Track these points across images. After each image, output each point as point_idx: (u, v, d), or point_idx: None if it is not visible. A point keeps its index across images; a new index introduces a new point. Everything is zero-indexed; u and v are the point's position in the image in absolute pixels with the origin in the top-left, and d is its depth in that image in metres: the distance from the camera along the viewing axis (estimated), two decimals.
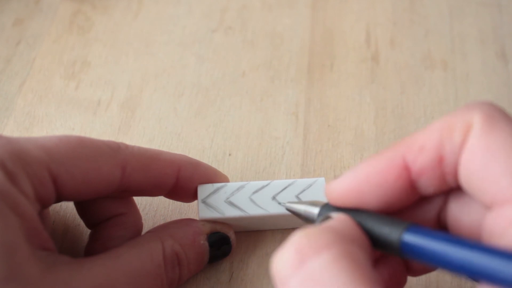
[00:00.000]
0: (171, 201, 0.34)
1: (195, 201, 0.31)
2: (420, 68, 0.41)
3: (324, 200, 0.25)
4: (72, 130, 0.37)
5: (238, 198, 0.30)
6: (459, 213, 0.23)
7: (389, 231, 0.22)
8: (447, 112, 0.38)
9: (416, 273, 0.26)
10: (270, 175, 0.35)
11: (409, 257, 0.22)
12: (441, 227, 0.25)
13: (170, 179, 0.29)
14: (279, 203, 0.30)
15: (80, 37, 0.42)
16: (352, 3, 0.44)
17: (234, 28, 0.43)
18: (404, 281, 0.26)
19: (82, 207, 0.30)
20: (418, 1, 0.44)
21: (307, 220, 0.26)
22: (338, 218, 0.23)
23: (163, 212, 0.34)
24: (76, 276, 0.25)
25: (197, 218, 0.31)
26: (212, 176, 0.31)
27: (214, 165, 0.35)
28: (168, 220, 0.33)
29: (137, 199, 0.32)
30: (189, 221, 0.30)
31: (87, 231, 0.32)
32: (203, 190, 0.30)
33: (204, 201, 0.30)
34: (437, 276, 0.31)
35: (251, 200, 0.30)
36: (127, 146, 0.29)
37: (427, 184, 0.23)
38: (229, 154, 0.36)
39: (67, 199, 0.27)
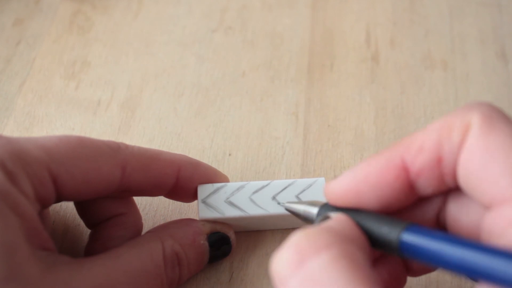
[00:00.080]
0: (171, 201, 0.34)
1: (195, 201, 0.31)
2: (420, 68, 0.41)
3: (324, 200, 0.25)
4: (72, 130, 0.37)
5: (238, 198, 0.30)
6: (458, 213, 0.23)
7: (388, 231, 0.22)
8: (447, 112, 0.38)
9: (416, 273, 0.27)
10: (270, 175, 0.35)
11: (408, 257, 0.22)
12: (440, 228, 0.25)
13: (170, 179, 0.29)
14: (279, 203, 0.30)
15: (80, 37, 0.42)
16: (352, 3, 0.44)
17: (234, 28, 0.43)
18: (404, 281, 0.26)
19: (82, 207, 0.30)
20: (418, 1, 0.44)
21: (306, 220, 0.26)
22: (337, 218, 0.23)
23: (163, 212, 0.34)
24: (76, 276, 0.25)
25: (197, 218, 0.31)
26: (212, 176, 0.31)
27: (214, 165, 0.35)
28: (168, 220, 0.33)
29: (137, 199, 0.33)
30: (189, 221, 0.30)
31: (87, 231, 0.32)
32: (203, 190, 0.30)
33: (204, 201, 0.30)
34: (437, 276, 0.31)
35: (251, 200, 0.30)
36: (127, 146, 0.29)
37: (426, 185, 0.23)
38: (229, 154, 0.36)
39: (67, 199, 0.27)
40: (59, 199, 0.27)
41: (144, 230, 0.31)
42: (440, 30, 0.43)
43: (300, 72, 0.40)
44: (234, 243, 0.31)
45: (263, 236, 0.33)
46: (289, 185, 0.30)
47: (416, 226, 0.21)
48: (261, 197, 0.30)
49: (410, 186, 0.23)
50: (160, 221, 0.33)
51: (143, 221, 0.31)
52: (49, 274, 0.24)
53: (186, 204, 0.34)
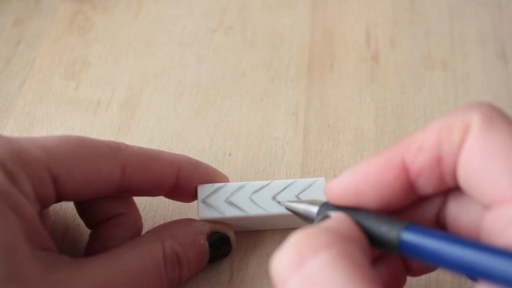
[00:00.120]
0: (171, 201, 0.34)
1: (195, 201, 0.31)
2: (420, 68, 0.41)
3: (324, 199, 0.25)
4: (72, 130, 0.37)
5: (238, 198, 0.30)
6: (458, 213, 0.23)
7: (388, 230, 0.22)
8: (447, 112, 0.38)
9: (416, 273, 0.27)
10: (270, 175, 0.35)
11: (408, 256, 0.22)
12: (440, 227, 0.25)
13: (170, 179, 0.29)
14: (279, 203, 0.30)
15: (80, 37, 0.42)
16: (352, 3, 0.44)
17: (234, 28, 0.43)
18: (403, 281, 0.26)
19: (82, 207, 0.30)
20: (418, 1, 0.44)
21: (306, 219, 0.26)
22: (336, 217, 0.23)
23: (163, 212, 0.34)
24: (76, 276, 0.25)
25: (197, 218, 0.31)
26: (212, 176, 0.31)
27: (214, 165, 0.35)
28: (168, 220, 0.33)
29: (137, 199, 0.33)
30: (189, 221, 0.30)
31: (87, 231, 0.32)
32: (203, 190, 0.30)
33: (204, 201, 0.30)
34: (437, 276, 0.31)
35: (251, 200, 0.30)
36: (127, 146, 0.29)
37: (426, 184, 0.23)
38: (229, 154, 0.36)
39: (67, 199, 0.27)
40: (59, 199, 0.27)
41: (144, 230, 0.31)
42: (440, 30, 0.43)
43: (300, 72, 0.40)
44: (234, 243, 0.31)
45: (263, 236, 0.33)
46: (289, 185, 0.30)
47: (415, 225, 0.21)
48: (261, 197, 0.30)
49: (410, 186, 0.23)
50: (160, 221, 0.33)
51: (143, 221, 0.31)
52: (49, 274, 0.24)
53: (186, 204, 0.34)
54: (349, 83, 0.40)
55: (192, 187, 0.30)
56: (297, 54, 0.41)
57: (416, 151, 0.22)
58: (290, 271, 0.20)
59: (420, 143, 0.22)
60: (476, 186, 0.21)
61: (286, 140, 0.37)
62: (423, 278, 0.31)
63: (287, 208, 0.27)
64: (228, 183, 0.31)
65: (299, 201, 0.27)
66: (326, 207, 0.25)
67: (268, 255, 0.32)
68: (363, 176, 0.23)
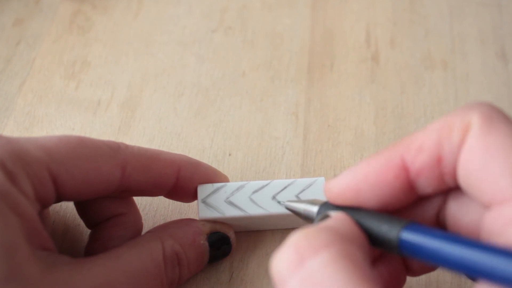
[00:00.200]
0: (171, 201, 0.34)
1: (195, 201, 0.31)
2: (420, 68, 0.41)
3: (324, 199, 0.25)
4: (72, 130, 0.37)
5: (238, 198, 0.30)
6: (458, 213, 0.23)
7: (388, 229, 0.22)
8: (447, 112, 0.38)
9: (416, 273, 0.27)
10: (270, 175, 0.35)
11: (407, 255, 0.22)
12: (440, 227, 0.25)
13: (170, 179, 0.29)
14: (279, 202, 0.30)
15: (80, 37, 0.42)
16: (352, 3, 0.44)
17: (234, 28, 0.43)
18: (403, 281, 0.26)
19: (82, 207, 0.30)
20: (418, 1, 0.44)
21: (306, 218, 0.26)
22: (336, 216, 0.23)
23: (163, 212, 0.34)
24: (76, 276, 0.25)
25: (197, 218, 0.31)
26: (212, 176, 0.31)
27: (214, 165, 0.35)
28: (168, 220, 0.33)
29: (137, 199, 0.33)
30: (189, 221, 0.30)
31: (87, 231, 0.32)
32: (203, 190, 0.30)
33: (204, 201, 0.30)
34: (437, 276, 0.31)
35: (251, 200, 0.30)
36: (127, 146, 0.29)
37: (426, 184, 0.23)
38: (229, 154, 0.36)
39: (67, 199, 0.27)
40: (59, 199, 0.27)
41: (144, 230, 0.31)
42: (440, 30, 0.43)
43: (300, 72, 0.40)
44: (234, 243, 0.31)
45: (263, 236, 0.33)
46: (289, 184, 0.30)
47: (415, 225, 0.22)
48: (261, 196, 0.30)
49: (410, 186, 0.23)
50: (160, 221, 0.33)
51: (143, 221, 0.31)
52: (49, 274, 0.24)
53: (186, 204, 0.34)
54: (349, 83, 0.40)
55: (192, 187, 0.30)
56: (297, 54, 0.41)
57: (416, 151, 0.22)
58: (290, 271, 0.20)
59: (420, 143, 0.22)
60: (476, 186, 0.21)
61: (286, 140, 0.37)
62: (423, 278, 0.31)
63: (287, 208, 0.27)
64: (228, 183, 0.31)
65: (299, 200, 0.27)
66: (326, 206, 0.25)
67: (268, 255, 0.32)
68: (363, 176, 0.23)
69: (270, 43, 0.42)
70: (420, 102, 0.39)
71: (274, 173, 0.36)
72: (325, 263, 0.19)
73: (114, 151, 0.28)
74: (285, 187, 0.30)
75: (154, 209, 0.34)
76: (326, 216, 0.23)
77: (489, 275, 0.19)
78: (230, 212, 0.30)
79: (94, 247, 0.29)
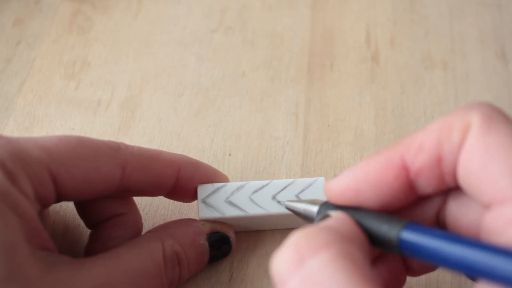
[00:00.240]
0: (171, 201, 0.34)
1: (195, 201, 0.31)
2: (420, 68, 0.41)
3: (324, 199, 0.25)
4: (72, 130, 0.37)
5: (238, 197, 0.30)
6: (458, 213, 0.23)
7: (388, 229, 0.22)
8: (447, 112, 0.38)
9: (416, 273, 0.27)
10: (270, 175, 0.35)
11: (407, 255, 0.22)
12: (440, 227, 0.25)
13: (170, 179, 0.29)
14: (279, 202, 0.30)
15: (80, 37, 0.42)
16: (352, 3, 0.44)
17: (234, 28, 0.43)
18: (403, 281, 0.26)
19: (82, 207, 0.30)
20: (418, 1, 0.44)
21: (306, 218, 0.26)
22: (336, 216, 0.23)
23: (163, 212, 0.34)
24: (76, 276, 0.25)
25: (197, 218, 0.31)
26: (212, 176, 0.31)
27: (214, 165, 0.35)
28: (168, 220, 0.33)
29: (137, 199, 0.33)
30: (189, 221, 0.30)
31: (87, 231, 0.32)
32: (203, 190, 0.30)
33: (204, 201, 0.30)
34: (437, 276, 0.31)
35: (251, 200, 0.30)
36: (127, 146, 0.29)
37: (426, 184, 0.23)
38: (229, 154, 0.36)
39: (67, 199, 0.27)
40: (59, 199, 0.27)
41: (144, 230, 0.31)
42: (440, 30, 0.43)
43: (300, 72, 0.40)
44: (234, 243, 0.31)
45: (263, 236, 0.33)
46: (289, 184, 0.30)
47: (415, 224, 0.22)
48: (261, 196, 0.30)
49: (410, 186, 0.23)
50: (160, 221, 0.33)
51: (143, 221, 0.31)
52: (49, 274, 0.24)
53: (186, 204, 0.34)
54: (349, 83, 0.40)
55: (192, 187, 0.30)
56: (297, 54, 0.41)
57: (416, 151, 0.22)
58: (290, 270, 0.20)
59: (420, 143, 0.22)
60: (476, 186, 0.21)
61: (286, 140, 0.37)
62: (423, 278, 0.31)
63: (287, 208, 0.27)
64: (228, 183, 0.31)
65: (299, 200, 0.27)
66: (326, 206, 0.25)
67: (268, 255, 0.32)
68: (363, 175, 0.23)
69: (270, 43, 0.42)
70: (420, 102, 0.39)
71: (274, 173, 0.36)
72: (325, 263, 0.19)
73: (114, 151, 0.28)
74: (285, 187, 0.30)
75: (154, 209, 0.34)
76: (326, 216, 0.23)
77: (489, 275, 0.19)
78: (230, 212, 0.30)
79: (94, 247, 0.29)
